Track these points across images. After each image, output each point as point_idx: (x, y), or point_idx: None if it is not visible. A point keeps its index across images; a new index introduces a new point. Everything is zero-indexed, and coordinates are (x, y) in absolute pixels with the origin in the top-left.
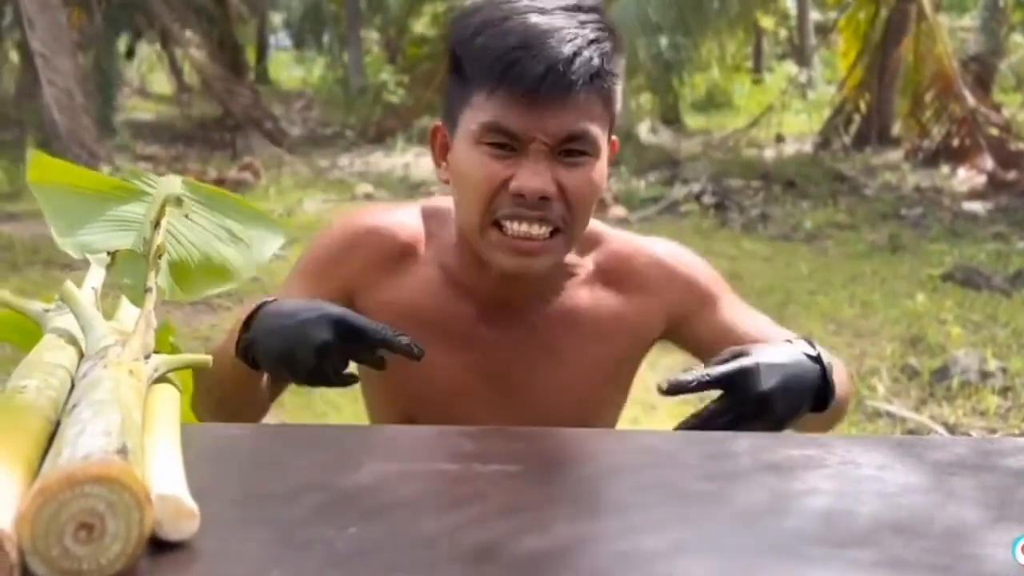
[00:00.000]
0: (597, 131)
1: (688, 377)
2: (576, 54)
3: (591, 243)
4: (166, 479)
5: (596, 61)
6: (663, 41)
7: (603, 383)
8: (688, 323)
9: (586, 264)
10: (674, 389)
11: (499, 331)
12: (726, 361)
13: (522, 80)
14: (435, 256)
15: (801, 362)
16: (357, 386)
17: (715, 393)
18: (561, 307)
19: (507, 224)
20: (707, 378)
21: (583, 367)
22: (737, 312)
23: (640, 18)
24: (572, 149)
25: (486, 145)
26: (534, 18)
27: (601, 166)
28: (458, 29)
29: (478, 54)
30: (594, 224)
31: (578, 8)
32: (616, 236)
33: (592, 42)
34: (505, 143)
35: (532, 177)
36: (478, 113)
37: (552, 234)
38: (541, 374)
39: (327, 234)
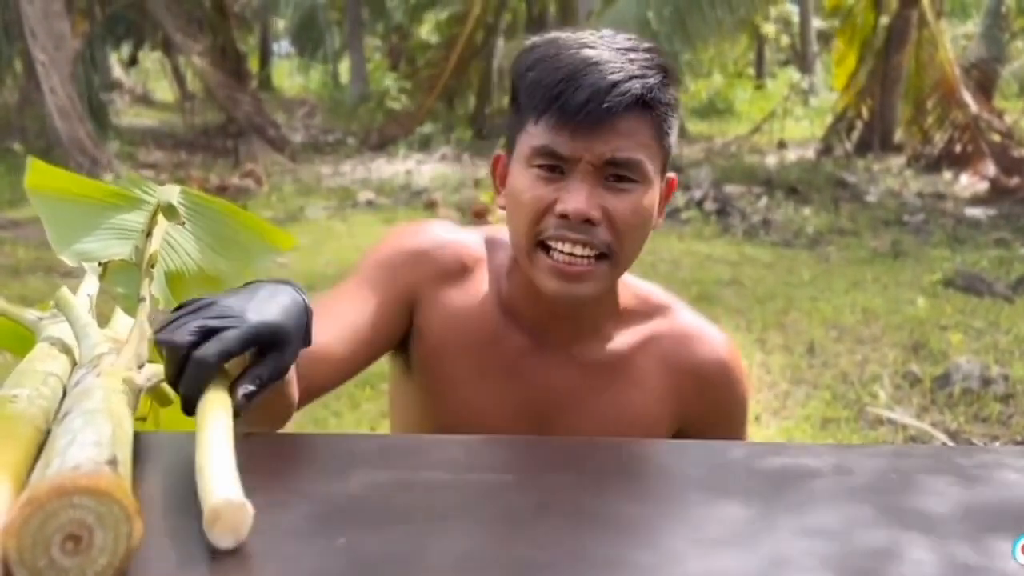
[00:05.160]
0: (643, 159)
1: None
2: (617, 84)
3: (656, 310)
4: (223, 486)
5: (637, 91)
6: (661, 48)
7: (637, 436)
8: (705, 430)
9: (645, 328)
10: None
11: (545, 367)
12: None
13: (566, 109)
14: (491, 282)
15: None
16: (355, 392)
17: None
18: (608, 356)
19: (553, 245)
20: None
21: (620, 419)
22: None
23: (639, 23)
24: (619, 175)
25: (536, 168)
26: (583, 53)
27: (651, 195)
28: (517, 64)
29: (530, 87)
30: (667, 295)
31: (631, 48)
32: (684, 318)
33: (636, 76)
34: (554, 165)
35: (576, 199)
36: (530, 138)
37: (598, 258)
38: (579, 417)
39: (392, 240)
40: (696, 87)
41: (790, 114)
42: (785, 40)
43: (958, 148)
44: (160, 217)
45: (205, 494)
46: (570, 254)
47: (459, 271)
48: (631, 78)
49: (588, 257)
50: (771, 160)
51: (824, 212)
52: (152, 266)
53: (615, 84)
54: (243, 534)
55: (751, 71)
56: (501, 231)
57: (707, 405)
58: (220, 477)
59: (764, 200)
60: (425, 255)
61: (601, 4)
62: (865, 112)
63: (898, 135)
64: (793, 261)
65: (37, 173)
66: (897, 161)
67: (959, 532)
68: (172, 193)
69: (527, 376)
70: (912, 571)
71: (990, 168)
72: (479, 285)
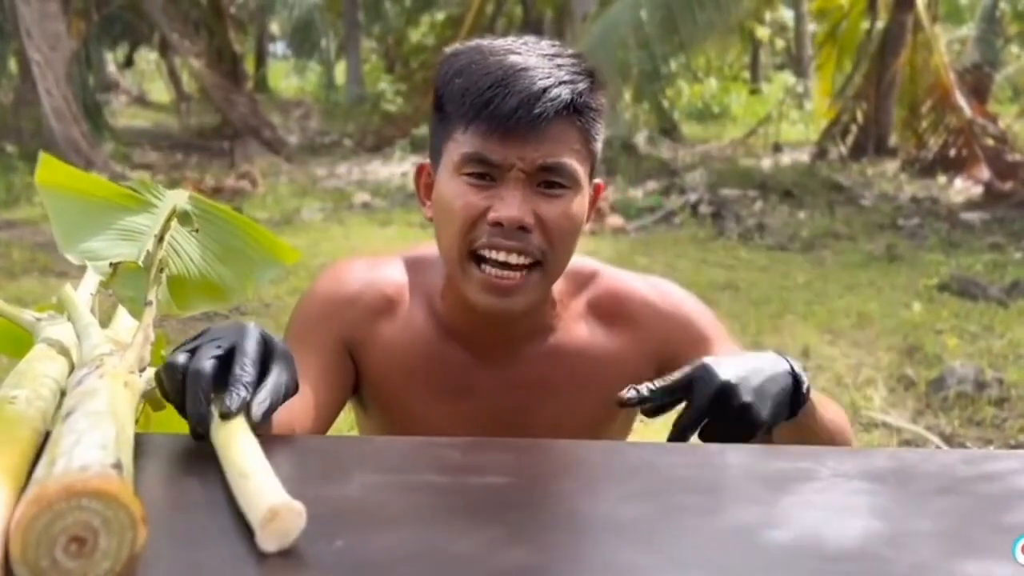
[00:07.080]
0: (574, 164)
1: (644, 387)
2: (547, 89)
3: (585, 280)
4: (276, 490)
5: (566, 96)
6: (653, 51)
7: (601, 420)
8: (680, 364)
9: (579, 301)
10: (633, 401)
11: (494, 374)
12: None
13: (496, 116)
14: (422, 305)
15: (763, 356)
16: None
17: None
18: (555, 344)
19: (485, 254)
20: (663, 384)
21: (579, 404)
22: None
23: (632, 26)
24: (550, 181)
25: (466, 176)
26: (510, 59)
27: (581, 201)
28: (441, 71)
29: (457, 94)
30: (589, 261)
31: (556, 54)
32: (610, 273)
33: (565, 82)
34: (484, 173)
35: (510, 206)
36: (458, 146)
37: (531, 267)
38: (537, 413)
39: (314, 295)
40: (692, 91)
41: (785, 118)
42: (780, 44)
43: (952, 152)
44: (174, 223)
45: (258, 497)
46: (504, 263)
47: (386, 306)
48: (560, 83)
49: (521, 267)
50: (766, 164)
51: (819, 216)
52: (161, 271)
53: (545, 90)
54: (288, 540)
55: (746, 75)
56: (422, 250)
57: (674, 340)
58: (271, 482)
59: (759, 204)
60: (349, 300)
61: (596, 7)
62: (860, 116)
63: (893, 139)
64: (788, 265)
65: (48, 169)
66: (892, 165)
67: (958, 533)
68: (182, 198)
69: (478, 389)
70: (911, 572)
71: (984, 172)
72: (410, 312)
